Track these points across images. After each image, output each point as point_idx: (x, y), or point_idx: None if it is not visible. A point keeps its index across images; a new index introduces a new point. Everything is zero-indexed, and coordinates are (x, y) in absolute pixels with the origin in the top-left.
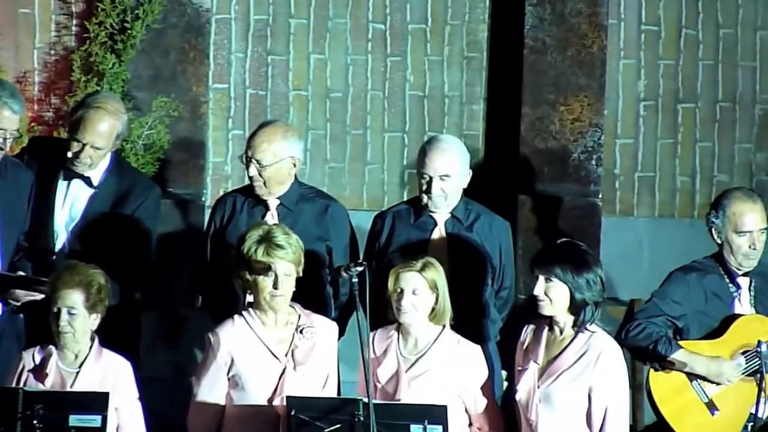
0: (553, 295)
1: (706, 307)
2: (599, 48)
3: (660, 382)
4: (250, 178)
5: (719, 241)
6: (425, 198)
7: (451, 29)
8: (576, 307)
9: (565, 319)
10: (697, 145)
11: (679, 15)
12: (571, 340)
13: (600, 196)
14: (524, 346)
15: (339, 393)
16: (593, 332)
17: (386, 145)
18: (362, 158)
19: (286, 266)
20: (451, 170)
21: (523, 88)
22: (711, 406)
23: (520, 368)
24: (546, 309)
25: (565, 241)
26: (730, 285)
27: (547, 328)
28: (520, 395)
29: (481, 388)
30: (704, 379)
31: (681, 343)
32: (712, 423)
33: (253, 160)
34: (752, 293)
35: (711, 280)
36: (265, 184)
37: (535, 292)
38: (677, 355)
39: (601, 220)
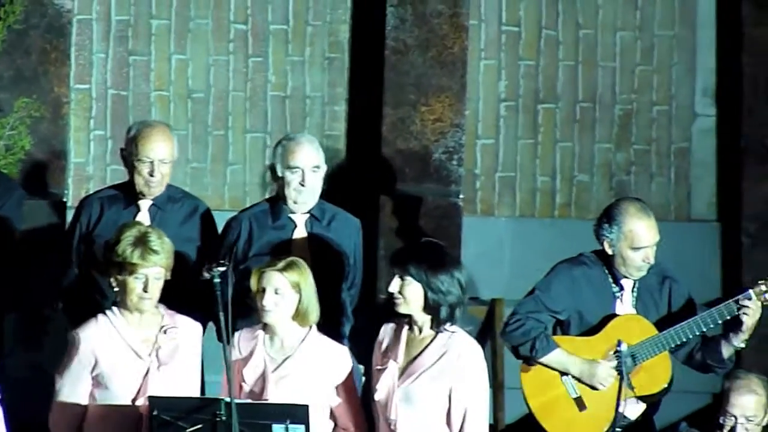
0: (408, 293)
1: (588, 303)
2: (460, 49)
3: (531, 375)
4: (148, 180)
5: (611, 252)
6: (294, 194)
7: (312, 30)
8: (431, 308)
9: (422, 319)
10: (557, 145)
11: (539, 16)
12: (431, 340)
13: (461, 196)
14: (382, 346)
15: (203, 393)
16: (453, 332)
17: (248, 145)
18: (224, 159)
19: (158, 271)
20: (320, 162)
21: (384, 88)
22: (579, 403)
23: (378, 367)
24: (401, 307)
25: (425, 240)
26: (614, 285)
27: (407, 327)
28: (380, 394)
29: (344, 386)
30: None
31: (558, 340)
32: (579, 419)
33: (155, 162)
34: (635, 294)
35: (595, 277)
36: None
37: (390, 289)
38: (553, 355)
39: (462, 220)
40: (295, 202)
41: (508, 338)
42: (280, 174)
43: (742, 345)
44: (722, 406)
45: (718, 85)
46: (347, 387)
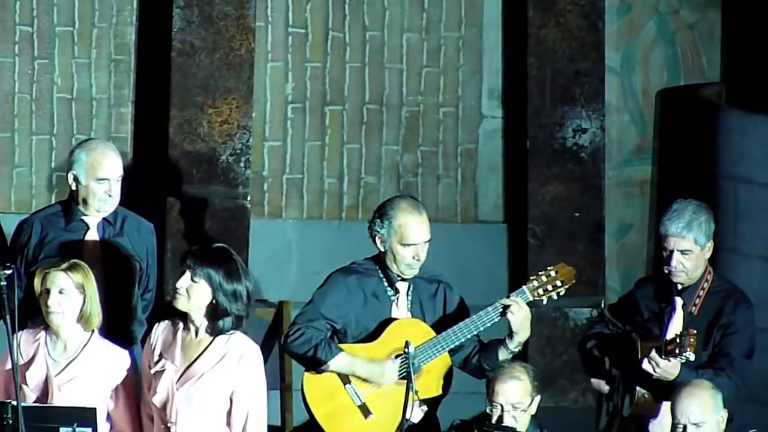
0: (195, 293)
1: (364, 310)
2: (247, 50)
3: (314, 384)
4: None
5: (383, 249)
6: (99, 204)
7: (98, 32)
8: (216, 314)
9: (200, 321)
10: (344, 147)
11: (326, 17)
12: (210, 343)
13: (249, 198)
14: (154, 345)
15: None
16: (232, 334)
17: (34, 147)
18: (10, 161)
19: None
20: (120, 173)
21: (171, 90)
22: (364, 410)
23: (155, 370)
24: (181, 304)
25: (221, 246)
26: (389, 289)
27: (182, 327)
28: (158, 397)
29: (123, 390)
30: (363, 381)
31: (340, 346)
32: (365, 426)
33: None
34: (409, 298)
35: (370, 283)
36: None
37: (179, 284)
38: (338, 359)
39: (250, 222)
40: (98, 210)
41: (290, 348)
42: (84, 183)
43: (517, 349)
44: (488, 396)
45: (504, 86)
46: (126, 391)
